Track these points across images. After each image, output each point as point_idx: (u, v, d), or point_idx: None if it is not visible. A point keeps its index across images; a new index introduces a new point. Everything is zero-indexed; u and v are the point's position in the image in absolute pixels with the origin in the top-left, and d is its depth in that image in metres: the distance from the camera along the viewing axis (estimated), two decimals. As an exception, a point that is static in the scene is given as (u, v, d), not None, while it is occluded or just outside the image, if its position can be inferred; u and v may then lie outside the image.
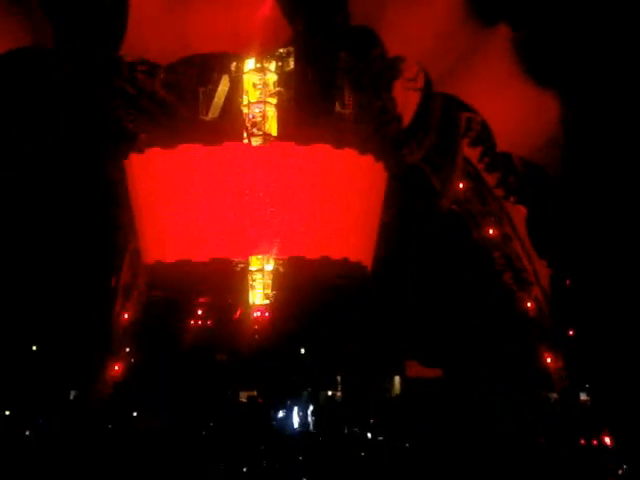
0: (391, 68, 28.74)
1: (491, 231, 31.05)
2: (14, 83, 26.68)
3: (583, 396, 29.88)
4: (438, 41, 27.01)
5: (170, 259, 28.29)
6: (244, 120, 29.11)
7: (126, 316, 30.69)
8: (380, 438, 28.86)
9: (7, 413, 28.63)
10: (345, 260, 28.30)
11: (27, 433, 27.19)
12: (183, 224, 28.07)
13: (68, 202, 28.97)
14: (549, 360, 30.25)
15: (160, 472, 23.46)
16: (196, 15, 26.06)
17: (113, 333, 30.45)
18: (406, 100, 29.43)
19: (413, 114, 29.57)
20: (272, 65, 29.47)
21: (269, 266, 29.46)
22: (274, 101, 29.41)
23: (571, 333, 30.17)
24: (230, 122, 29.27)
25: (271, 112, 29.30)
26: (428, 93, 28.74)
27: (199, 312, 31.89)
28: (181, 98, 29.11)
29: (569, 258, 29.65)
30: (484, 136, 29.20)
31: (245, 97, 29.39)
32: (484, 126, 28.68)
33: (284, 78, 29.45)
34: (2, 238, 28.70)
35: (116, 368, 30.30)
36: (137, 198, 28.66)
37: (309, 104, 29.13)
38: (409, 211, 30.28)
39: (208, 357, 31.26)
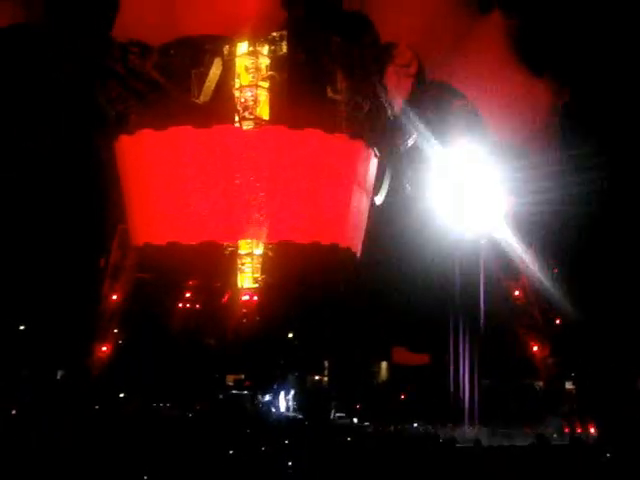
0: (383, 53, 28.65)
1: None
2: (5, 60, 26.55)
3: (569, 385, 30.03)
4: (431, 27, 27.02)
5: (159, 241, 28.29)
6: (236, 103, 29.00)
7: (114, 297, 30.65)
8: (366, 423, 28.98)
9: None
10: (335, 245, 28.35)
11: (13, 412, 27.19)
12: (173, 206, 28.05)
13: (58, 183, 28.85)
14: (536, 348, 30.38)
15: (147, 453, 23.47)
16: (189, -2, 26.05)
17: (101, 314, 30.42)
18: (398, 86, 29.32)
19: (405, 100, 29.47)
20: (265, 49, 29.36)
21: (258, 250, 29.42)
22: (266, 85, 29.31)
23: (558, 322, 30.27)
24: (222, 105, 29.15)
25: (263, 96, 29.20)
26: (421, 79, 28.68)
27: (187, 295, 31.84)
28: (173, 80, 28.94)
29: (557, 247, 29.73)
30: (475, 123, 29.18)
31: (237, 80, 29.27)
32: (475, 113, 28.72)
33: (277, 62, 29.35)
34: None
35: (104, 349, 30.29)
36: (127, 179, 28.60)
37: (301, 89, 29.04)
38: (399, 197, 30.25)
39: (196, 340, 31.25)
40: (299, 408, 29.96)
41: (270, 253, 29.26)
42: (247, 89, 29.11)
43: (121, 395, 29.70)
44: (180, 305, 31.66)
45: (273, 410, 29.79)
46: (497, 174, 29.15)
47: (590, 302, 29.09)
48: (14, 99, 27.81)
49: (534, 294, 30.31)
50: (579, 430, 27.91)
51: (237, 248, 29.50)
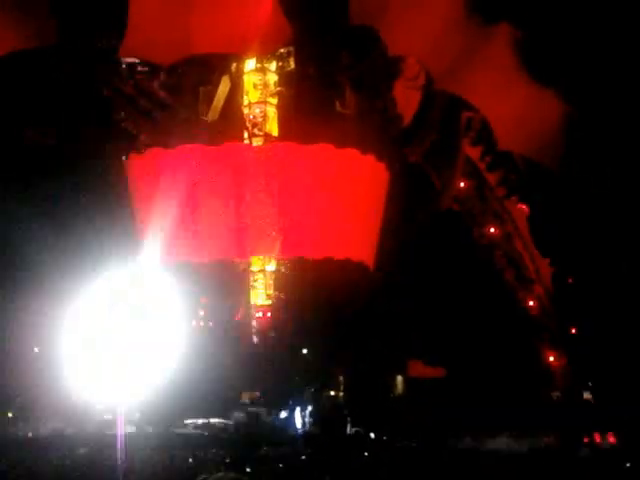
0: (392, 67, 28.72)
1: (492, 230, 31.03)
2: (17, 82, 26.69)
3: (586, 394, 29.81)
4: (439, 40, 27.07)
5: (171, 260, 28.23)
6: (245, 120, 29.05)
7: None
8: (384, 437, 28.81)
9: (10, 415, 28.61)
10: (347, 260, 28.28)
11: (29, 435, 27.15)
12: (184, 225, 28.03)
13: (69, 202, 28.87)
14: (552, 359, 30.21)
15: (164, 472, 23.38)
16: (196, 16, 26.11)
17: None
18: (407, 99, 29.38)
19: (414, 113, 29.52)
20: (272, 65, 29.42)
21: (270, 267, 29.37)
22: (275, 101, 29.36)
23: (573, 331, 30.12)
24: (231, 122, 29.21)
25: (272, 112, 29.25)
26: (429, 92, 28.72)
27: (201, 313, 31.76)
28: (181, 99, 29.06)
29: (571, 256, 29.63)
30: (485, 135, 29.23)
31: (246, 97, 29.33)
32: (485, 125, 28.76)
33: (285, 78, 29.40)
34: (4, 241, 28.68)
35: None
36: (137, 199, 28.62)
37: (310, 104, 29.06)
38: (411, 211, 30.20)
39: (210, 358, 31.14)
40: (315, 424, 29.81)
41: (282, 269, 29.20)
42: (256, 106, 29.17)
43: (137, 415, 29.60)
44: (194, 323, 31.58)
45: (289, 426, 29.65)
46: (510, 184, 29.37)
47: (606, 310, 28.96)
48: (25, 119, 27.97)
49: (549, 304, 30.21)
50: (598, 439, 27.72)
51: (249, 265, 29.46)
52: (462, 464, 23.41)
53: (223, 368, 29.47)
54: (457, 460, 24.08)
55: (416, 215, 30.02)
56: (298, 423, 29.96)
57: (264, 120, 29.03)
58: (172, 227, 28.02)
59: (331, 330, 30.31)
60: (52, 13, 25.16)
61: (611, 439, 26.94)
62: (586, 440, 26.84)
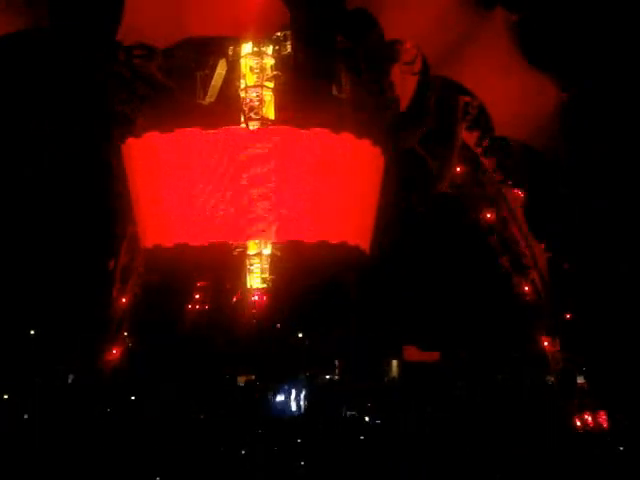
0: (388, 52, 28.67)
1: (488, 215, 31.05)
2: (12, 66, 26.68)
3: (580, 379, 29.93)
4: (435, 25, 26.98)
5: (168, 243, 28.32)
6: (241, 104, 29.00)
7: (124, 300, 30.72)
8: (378, 422, 29.00)
9: (5, 397, 28.71)
10: (343, 244, 28.32)
11: (25, 417, 27.28)
12: (181, 208, 28.06)
13: (66, 186, 28.95)
14: (546, 344, 30.30)
15: (159, 456, 23.54)
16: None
17: (111, 317, 30.49)
18: (403, 84, 29.35)
19: (411, 98, 29.49)
20: (269, 49, 29.32)
21: (267, 250, 29.42)
22: (271, 85, 29.26)
23: (568, 317, 30.20)
24: (227, 106, 29.17)
25: (268, 96, 29.17)
26: (426, 77, 28.68)
27: (197, 296, 31.89)
28: (178, 82, 29.02)
29: (567, 242, 29.70)
30: (482, 120, 29.20)
31: (242, 81, 29.23)
32: (482, 110, 28.71)
33: (281, 62, 29.29)
34: (1, 223, 28.77)
35: (114, 352, 30.35)
36: (135, 182, 28.63)
37: (306, 88, 29.03)
38: (406, 195, 30.26)
39: (206, 341, 31.29)
40: (310, 407, 29.99)
41: (278, 253, 29.25)
42: (252, 89, 29.07)
43: (132, 397, 29.76)
44: (190, 306, 31.71)
45: (285, 409, 29.83)
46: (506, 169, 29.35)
47: (601, 296, 29.06)
48: (21, 105, 27.96)
49: (544, 289, 30.27)
50: (591, 424, 27.91)
51: (246, 248, 29.52)
52: (457, 447, 23.61)
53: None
54: (452, 443, 24.29)
55: (411, 200, 30.09)
56: (293, 406, 30.14)
57: (260, 104, 28.96)
58: (168, 210, 28.15)
59: (327, 314, 30.46)
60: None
61: (602, 419, 27.14)
62: (579, 424, 27.10)
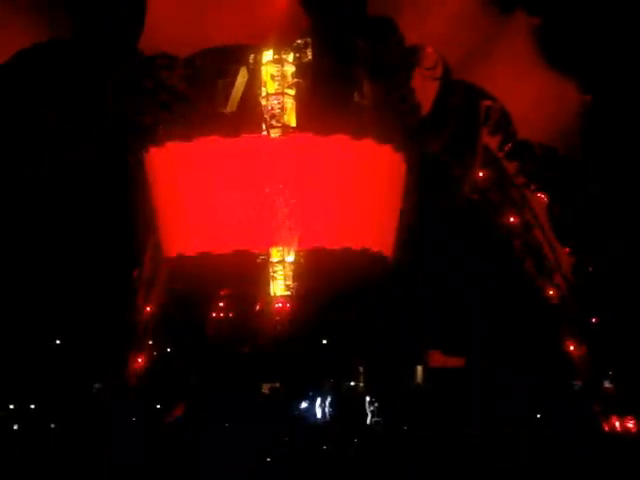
0: (409, 57, 28.65)
1: (512, 219, 30.92)
2: (35, 77, 26.91)
3: (606, 383, 29.71)
4: (456, 29, 26.94)
5: (191, 252, 28.43)
6: (263, 112, 29.06)
7: (148, 309, 30.83)
8: (404, 427, 28.93)
9: (32, 407, 28.86)
10: (366, 250, 28.32)
11: (52, 426, 27.40)
12: (203, 217, 28.22)
13: (91, 196, 29.10)
14: (572, 348, 30.10)
15: (183, 463, 23.57)
16: (214, 8, 26.12)
17: (136, 326, 30.60)
18: (425, 89, 29.32)
19: (432, 103, 29.45)
20: (290, 56, 29.37)
21: (290, 257, 29.41)
22: (292, 92, 29.30)
23: (594, 320, 29.99)
24: (249, 114, 29.26)
25: (289, 103, 29.20)
26: (447, 82, 28.63)
27: (221, 304, 31.91)
28: (199, 91, 29.16)
29: (592, 246, 29.51)
30: (504, 124, 29.07)
31: (263, 89, 29.29)
32: (504, 114, 28.60)
33: (302, 69, 29.36)
34: (29, 233, 29.02)
35: (139, 361, 30.45)
36: (157, 191, 28.81)
37: (327, 95, 29.07)
38: (430, 201, 30.18)
39: (230, 349, 31.30)
40: (335, 414, 29.94)
41: (302, 260, 29.25)
42: (273, 97, 29.12)
43: (158, 406, 29.82)
44: (214, 314, 31.73)
45: (309, 417, 29.81)
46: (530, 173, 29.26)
47: (626, 300, 28.84)
48: (44, 115, 28.18)
49: (569, 293, 30.10)
50: (619, 429, 27.70)
51: (268, 256, 29.54)
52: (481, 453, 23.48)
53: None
54: (476, 449, 24.15)
55: (435, 205, 30.01)
56: (318, 414, 30.10)
57: (282, 111, 28.99)
58: (191, 219, 28.27)
59: (351, 320, 30.40)
60: (68, 7, 25.28)
61: (630, 424, 26.93)
62: (606, 428, 26.89)
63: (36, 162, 28.51)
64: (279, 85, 29.24)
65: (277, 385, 30.61)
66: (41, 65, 26.94)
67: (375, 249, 28.50)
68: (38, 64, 26.78)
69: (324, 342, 31.20)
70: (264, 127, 28.93)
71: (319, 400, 30.29)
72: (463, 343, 31.01)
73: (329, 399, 30.29)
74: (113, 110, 28.39)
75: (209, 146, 28.00)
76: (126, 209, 29.50)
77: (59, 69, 27.45)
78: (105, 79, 28.12)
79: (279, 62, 29.27)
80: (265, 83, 29.33)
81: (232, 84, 29.50)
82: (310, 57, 29.17)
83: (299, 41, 28.93)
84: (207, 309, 31.60)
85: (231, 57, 28.99)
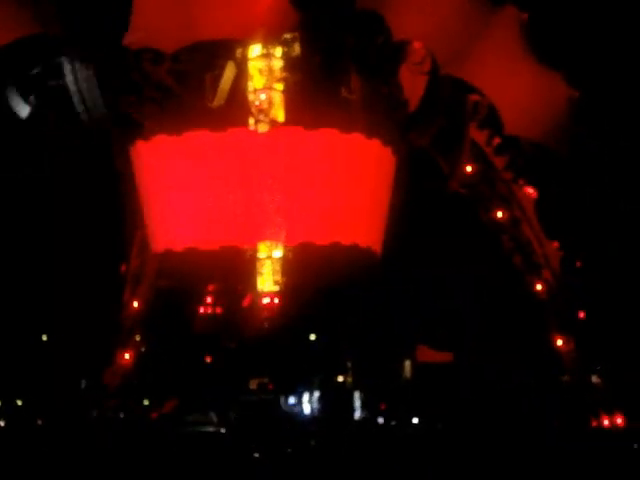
0: (397, 52, 28.59)
1: (500, 214, 30.94)
2: (22, 70, 26.79)
3: (594, 378, 29.79)
4: (444, 24, 26.87)
5: (179, 247, 28.33)
6: (250, 106, 28.93)
7: (135, 304, 30.72)
8: (392, 423, 28.92)
9: (19, 403, 28.72)
10: (355, 245, 28.27)
11: (39, 422, 27.27)
12: (191, 212, 28.13)
13: (76, 191, 28.97)
14: (560, 343, 30.15)
15: (172, 460, 23.46)
16: (201, 2, 25.99)
17: (122, 322, 30.49)
18: (413, 84, 29.28)
19: (420, 98, 29.42)
20: (278, 51, 29.22)
21: (278, 253, 29.34)
22: (280, 87, 29.17)
23: (582, 315, 30.05)
24: (236, 109, 29.11)
25: (277, 98, 29.07)
26: (435, 76, 28.59)
27: (208, 300, 31.84)
28: (187, 85, 29.03)
29: (579, 240, 29.58)
30: (492, 119, 29.07)
31: (251, 83, 29.14)
32: (491, 109, 28.59)
33: (290, 64, 29.22)
34: (12, 228, 28.85)
35: (126, 356, 30.33)
36: (144, 186, 28.67)
37: (315, 89, 28.98)
38: (417, 195, 30.16)
39: (218, 345, 31.24)
40: (323, 410, 29.93)
41: (290, 255, 29.17)
42: (261, 92, 28.98)
43: (145, 402, 29.72)
44: (201, 310, 31.66)
45: (297, 412, 29.79)
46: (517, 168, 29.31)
47: (614, 295, 28.94)
48: (29, 111, 28.06)
49: (557, 288, 30.15)
50: (606, 423, 27.77)
51: (256, 251, 29.46)
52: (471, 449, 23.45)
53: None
54: (466, 445, 24.12)
55: (422, 200, 29.98)
56: (306, 409, 30.08)
57: (269, 106, 28.86)
58: (178, 214, 28.16)
59: (339, 315, 30.37)
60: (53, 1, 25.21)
61: (618, 419, 27.00)
62: (594, 423, 26.95)
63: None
64: (267, 80, 29.08)
65: (265, 381, 30.58)
66: (27, 59, 26.85)
67: (364, 244, 28.46)
68: (24, 58, 26.69)
69: (312, 338, 31.19)
70: (252, 122, 28.80)
71: (307, 395, 30.27)
72: (452, 338, 31.07)
73: (317, 394, 30.28)
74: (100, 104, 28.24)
75: (196, 140, 27.89)
76: (113, 204, 29.34)
77: (45, 63, 27.32)
78: (91, 74, 27.95)
79: (267, 57, 29.10)
80: (252, 77, 29.16)
81: (219, 78, 29.32)
82: (298, 52, 29.03)
83: (287, 35, 28.77)
84: (195, 304, 31.56)
85: (218, 51, 28.80)
